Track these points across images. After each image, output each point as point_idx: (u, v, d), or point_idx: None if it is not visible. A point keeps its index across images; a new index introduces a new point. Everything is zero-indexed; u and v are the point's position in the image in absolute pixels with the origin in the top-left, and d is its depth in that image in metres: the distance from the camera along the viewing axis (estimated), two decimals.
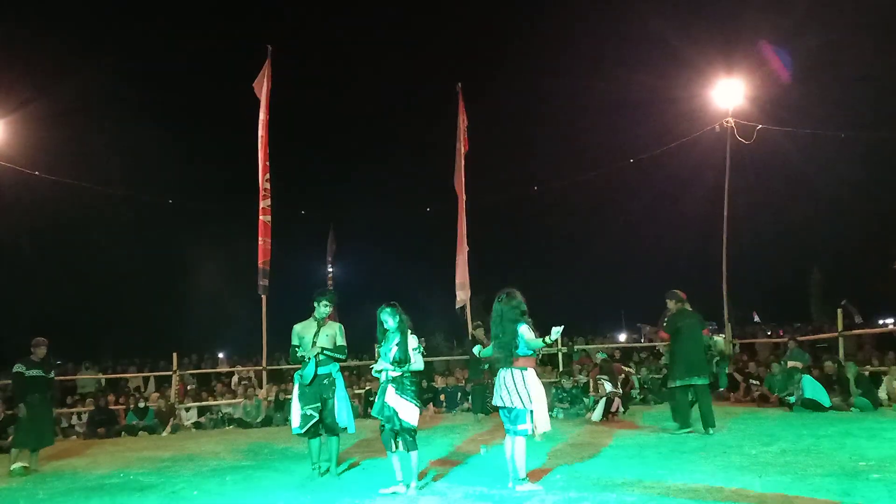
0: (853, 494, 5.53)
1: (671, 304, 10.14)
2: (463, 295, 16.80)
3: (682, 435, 9.37)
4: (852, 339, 14.64)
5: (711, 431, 9.32)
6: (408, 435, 6.55)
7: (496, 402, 6.54)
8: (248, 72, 16.40)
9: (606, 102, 23.66)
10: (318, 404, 7.53)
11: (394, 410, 6.57)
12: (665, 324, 10.08)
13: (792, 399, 11.63)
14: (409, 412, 6.56)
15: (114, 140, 22.01)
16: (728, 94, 16.28)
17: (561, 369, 15.39)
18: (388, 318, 6.79)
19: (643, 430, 10.13)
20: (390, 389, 6.66)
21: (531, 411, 6.32)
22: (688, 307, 10.04)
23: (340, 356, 7.74)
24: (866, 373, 12.43)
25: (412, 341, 6.71)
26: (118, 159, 20.86)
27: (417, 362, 6.69)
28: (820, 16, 19.12)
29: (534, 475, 6.83)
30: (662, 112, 18.81)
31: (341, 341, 7.76)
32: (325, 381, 7.60)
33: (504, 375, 6.45)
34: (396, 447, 6.61)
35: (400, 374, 6.67)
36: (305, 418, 7.51)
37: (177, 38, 28.05)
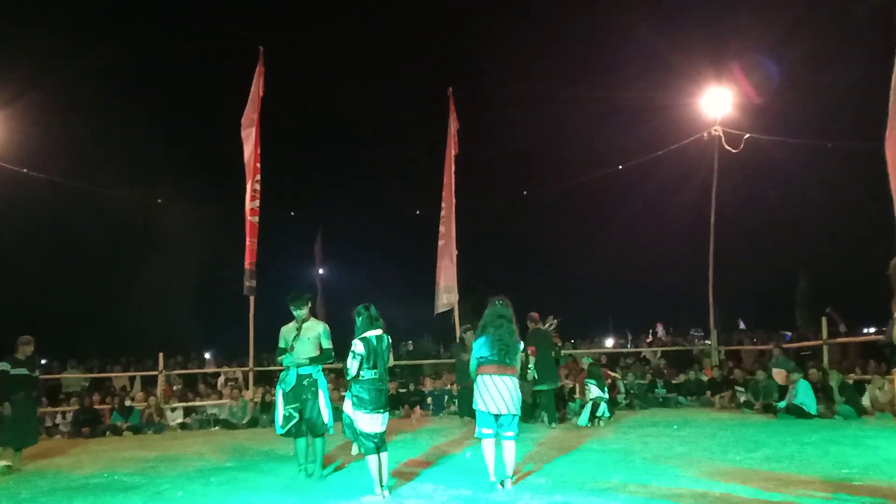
0: (836, 502, 5.58)
1: (530, 325, 11.91)
2: (450, 298, 16.80)
3: (554, 427, 11.32)
4: (836, 348, 14.74)
5: (554, 426, 11.39)
6: (364, 440, 6.50)
7: (497, 409, 6.56)
8: (238, 72, 16.37)
9: (596, 109, 23.71)
10: (298, 404, 7.51)
11: (349, 418, 6.59)
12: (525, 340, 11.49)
13: (782, 404, 11.71)
14: (359, 419, 6.50)
15: (101, 138, 21.93)
16: (717, 102, 16.37)
17: None
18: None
19: (628, 435, 10.16)
20: (346, 396, 6.71)
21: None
22: (540, 326, 11.89)
23: (326, 360, 7.70)
24: (850, 381, 12.52)
25: (353, 346, 6.55)
26: (106, 158, 20.80)
27: (351, 368, 6.50)
28: (808, 24, 19.30)
29: (520, 479, 6.93)
30: (652, 120, 18.88)
31: (327, 344, 7.68)
32: (306, 382, 7.55)
33: (507, 381, 6.62)
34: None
35: (348, 380, 6.61)
36: (287, 419, 7.52)
37: (166, 39, 27.98)
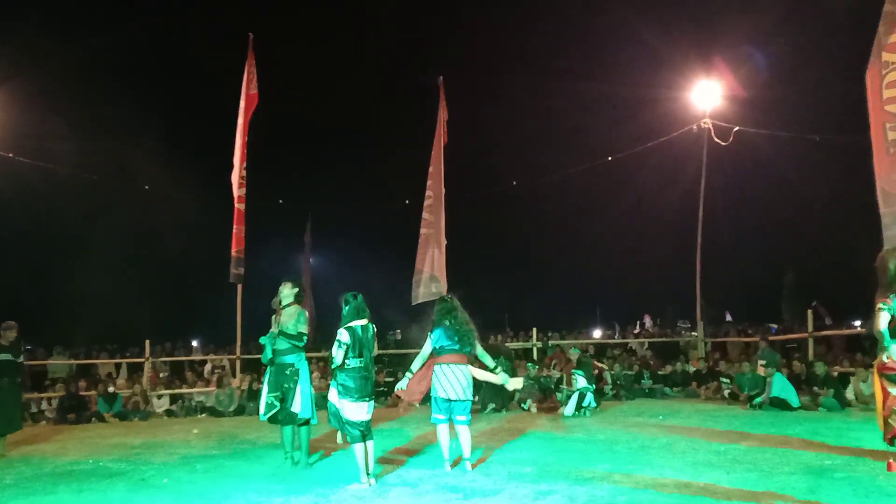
0: (818, 492, 5.63)
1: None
2: (438, 287, 16.78)
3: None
4: (822, 340, 14.84)
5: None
6: (349, 428, 6.51)
7: (457, 395, 6.99)
8: (227, 59, 16.28)
9: (586, 102, 23.71)
10: (280, 393, 7.51)
11: (335, 406, 6.61)
12: None
13: (758, 400, 11.79)
14: (345, 408, 6.52)
15: (88, 124, 21.72)
16: (706, 95, 16.41)
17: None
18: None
19: (614, 425, 10.21)
20: (331, 385, 6.72)
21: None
22: None
23: (297, 342, 7.64)
24: (835, 373, 12.61)
25: (338, 335, 6.58)
26: (92, 144, 20.56)
27: (337, 357, 6.53)
28: (797, 17, 19.34)
29: (506, 468, 7.03)
30: (642, 112, 18.91)
31: (301, 327, 7.66)
32: (288, 371, 7.55)
33: (462, 369, 7.09)
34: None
35: (333, 368, 6.62)
36: (268, 406, 7.55)
37: (155, 23, 27.71)
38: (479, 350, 7.35)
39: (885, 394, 5.88)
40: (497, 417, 11.89)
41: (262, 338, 7.67)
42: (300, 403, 7.50)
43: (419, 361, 7.27)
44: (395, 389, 7.57)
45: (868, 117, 11.18)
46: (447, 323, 7.14)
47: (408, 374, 7.33)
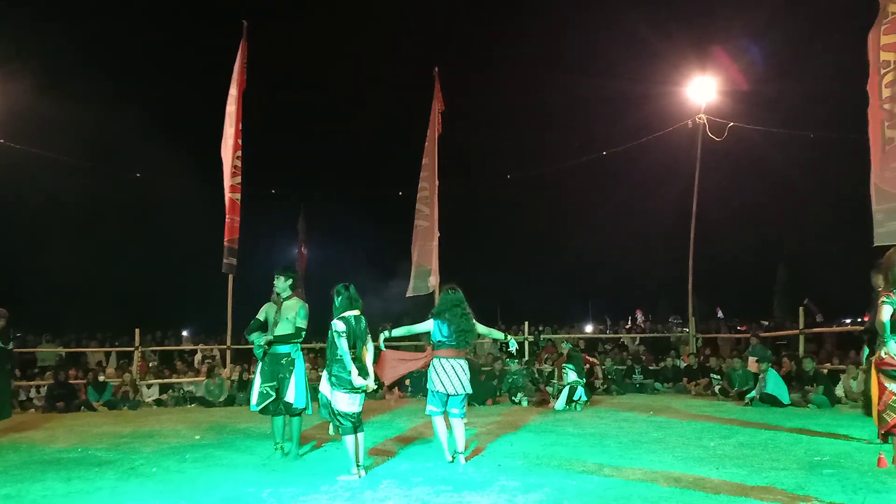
0: (807, 488, 5.64)
1: None
2: (431, 281, 16.76)
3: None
4: (813, 338, 14.87)
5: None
6: (341, 420, 6.49)
7: (455, 389, 6.94)
8: (221, 46, 16.18)
9: (582, 96, 23.70)
10: (275, 383, 7.50)
11: (326, 398, 6.58)
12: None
13: (752, 394, 11.80)
14: (338, 399, 6.49)
15: (80, 111, 21.58)
16: (701, 90, 16.39)
17: (526, 358, 15.47)
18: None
19: (605, 420, 10.22)
20: (323, 376, 6.68)
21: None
22: None
23: (295, 339, 7.63)
24: (825, 371, 12.64)
25: (334, 325, 6.54)
26: (84, 130, 20.42)
27: (341, 346, 6.48)
28: (791, 14, 19.38)
29: (496, 461, 7.05)
30: (637, 107, 18.92)
31: (301, 323, 7.63)
32: (283, 361, 7.54)
33: (461, 364, 7.04)
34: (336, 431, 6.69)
35: (338, 358, 6.57)
36: (262, 396, 7.52)
37: (149, 10, 27.57)
38: (483, 329, 7.35)
39: (882, 389, 5.88)
40: (488, 411, 11.89)
41: (254, 337, 7.60)
42: (294, 393, 7.48)
43: (404, 330, 7.18)
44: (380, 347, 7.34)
45: (865, 115, 11.20)
46: (447, 316, 7.04)
47: (385, 333, 7.14)
